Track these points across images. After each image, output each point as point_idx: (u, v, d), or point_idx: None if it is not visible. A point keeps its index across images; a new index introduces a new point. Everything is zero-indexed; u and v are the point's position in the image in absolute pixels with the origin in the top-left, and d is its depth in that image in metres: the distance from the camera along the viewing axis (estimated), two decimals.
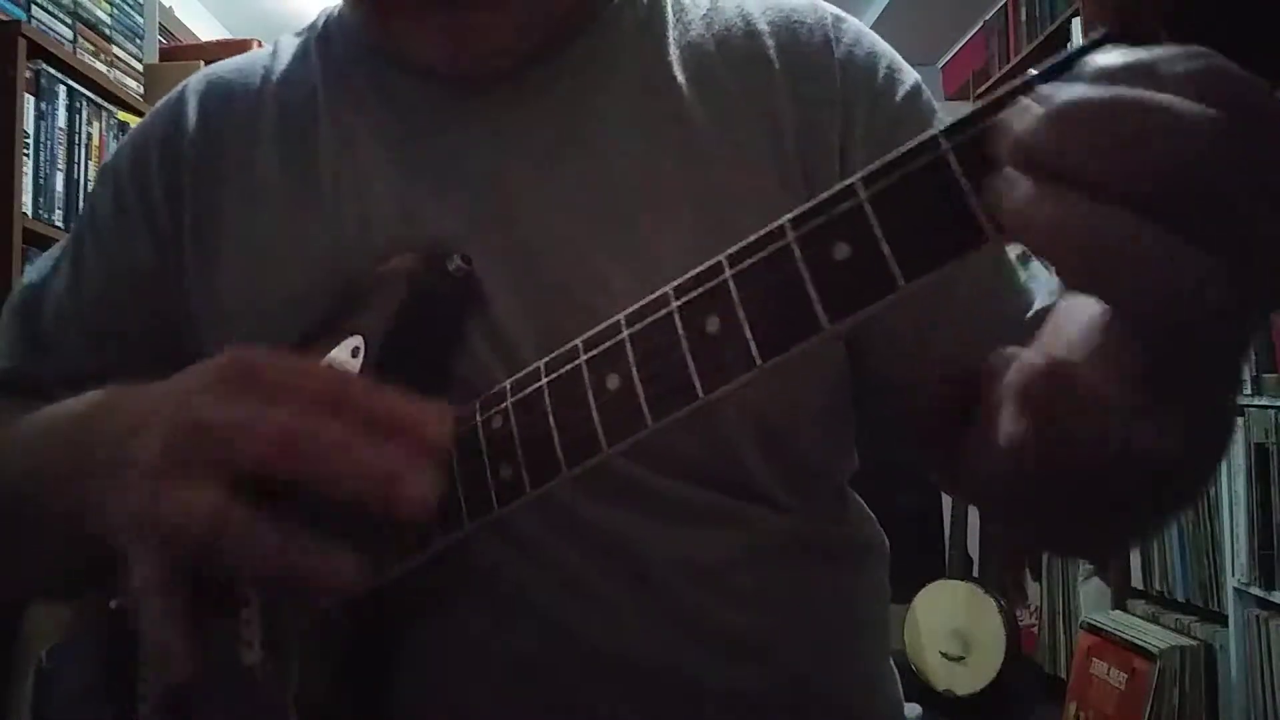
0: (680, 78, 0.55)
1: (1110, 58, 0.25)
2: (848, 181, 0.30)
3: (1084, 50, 0.27)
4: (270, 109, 0.57)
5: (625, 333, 0.35)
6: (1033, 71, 0.27)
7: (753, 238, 0.32)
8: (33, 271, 0.63)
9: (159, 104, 0.62)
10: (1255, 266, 0.24)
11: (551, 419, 0.37)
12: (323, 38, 0.60)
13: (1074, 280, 0.25)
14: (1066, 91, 0.25)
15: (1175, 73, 0.24)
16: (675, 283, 0.34)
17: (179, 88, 0.62)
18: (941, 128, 0.28)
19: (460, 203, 0.52)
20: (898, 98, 0.55)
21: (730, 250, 0.33)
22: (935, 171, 0.28)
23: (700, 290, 0.33)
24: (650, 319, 0.34)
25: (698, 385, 0.33)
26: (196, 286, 0.56)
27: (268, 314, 0.52)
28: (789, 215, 0.31)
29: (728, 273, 0.32)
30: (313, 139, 0.55)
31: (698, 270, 0.34)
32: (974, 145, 0.27)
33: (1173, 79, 0.24)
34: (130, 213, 0.58)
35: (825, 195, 0.30)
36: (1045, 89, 0.26)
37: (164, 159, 0.58)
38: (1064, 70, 0.27)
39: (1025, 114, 0.26)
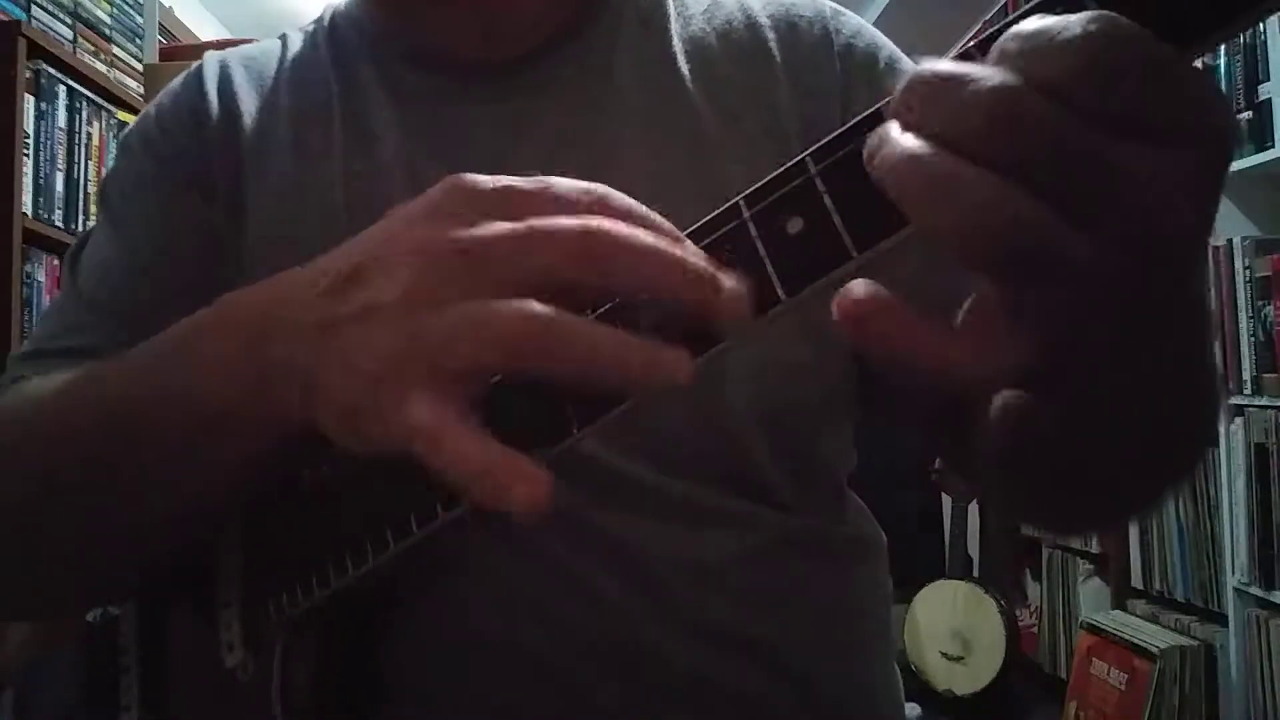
0: (684, 69, 0.55)
1: (1016, 27, 0.26)
2: (799, 156, 0.31)
3: (1017, 18, 0.27)
4: (285, 101, 0.58)
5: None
6: (970, 41, 0.28)
7: (710, 215, 0.33)
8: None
9: (174, 84, 0.61)
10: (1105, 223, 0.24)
11: None
12: (330, 31, 0.61)
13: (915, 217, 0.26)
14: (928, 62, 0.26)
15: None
16: None
17: (194, 68, 0.61)
18: (885, 99, 0.29)
19: None
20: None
21: (689, 228, 0.33)
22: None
23: None
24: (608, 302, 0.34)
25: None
26: (233, 267, 0.55)
27: None
28: (741, 193, 0.32)
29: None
30: (328, 131, 0.56)
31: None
32: None
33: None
34: (167, 182, 0.57)
35: (778, 171, 0.31)
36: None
37: (191, 139, 0.57)
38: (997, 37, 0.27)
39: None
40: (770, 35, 0.56)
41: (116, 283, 0.56)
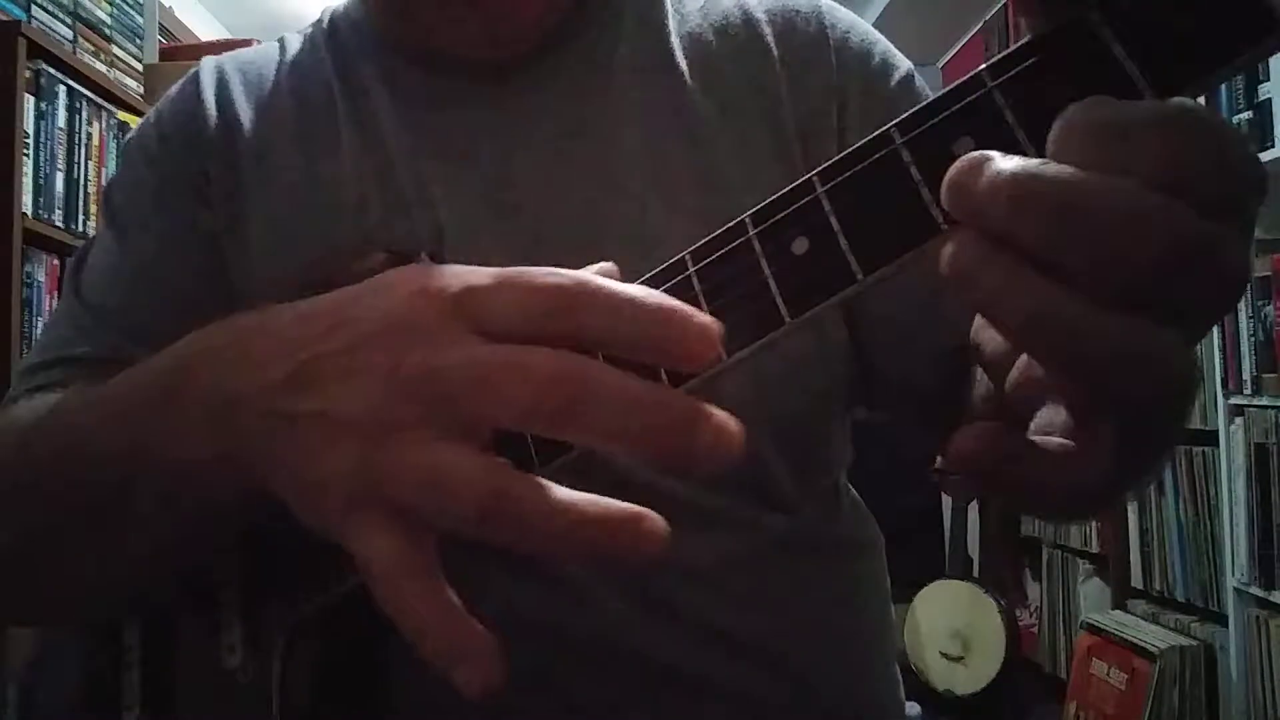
0: (682, 65, 0.56)
1: (1084, 113, 0.24)
2: (805, 177, 0.30)
3: (1029, 46, 0.27)
4: (286, 102, 0.58)
5: None
6: (983, 68, 0.28)
7: (715, 233, 0.32)
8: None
9: (172, 91, 0.61)
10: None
11: None
12: (330, 32, 0.61)
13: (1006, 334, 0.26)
14: (1012, 162, 0.24)
15: (1146, 142, 0.24)
16: (639, 278, 0.33)
17: (190, 74, 0.61)
18: (895, 121, 0.29)
19: (469, 188, 0.53)
20: (892, 83, 0.56)
21: (693, 246, 0.33)
22: (891, 165, 0.28)
23: (664, 286, 0.33)
24: None
25: (664, 377, 0.33)
26: (236, 274, 0.55)
27: (291, 298, 0.52)
28: (748, 212, 0.31)
29: (691, 268, 0.32)
30: (334, 129, 0.56)
31: (660, 267, 0.33)
32: (929, 138, 0.28)
33: (1142, 148, 0.24)
34: (167, 191, 0.57)
35: (783, 191, 0.31)
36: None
37: (188, 147, 0.57)
38: (1015, 62, 0.27)
39: (976, 172, 0.25)
40: (767, 30, 0.57)
41: (120, 291, 0.56)
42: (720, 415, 0.27)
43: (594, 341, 0.28)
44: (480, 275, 0.29)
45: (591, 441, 0.28)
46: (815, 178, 0.30)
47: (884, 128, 0.29)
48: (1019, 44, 0.27)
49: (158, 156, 0.58)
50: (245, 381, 0.32)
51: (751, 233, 0.31)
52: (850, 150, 0.29)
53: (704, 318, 0.27)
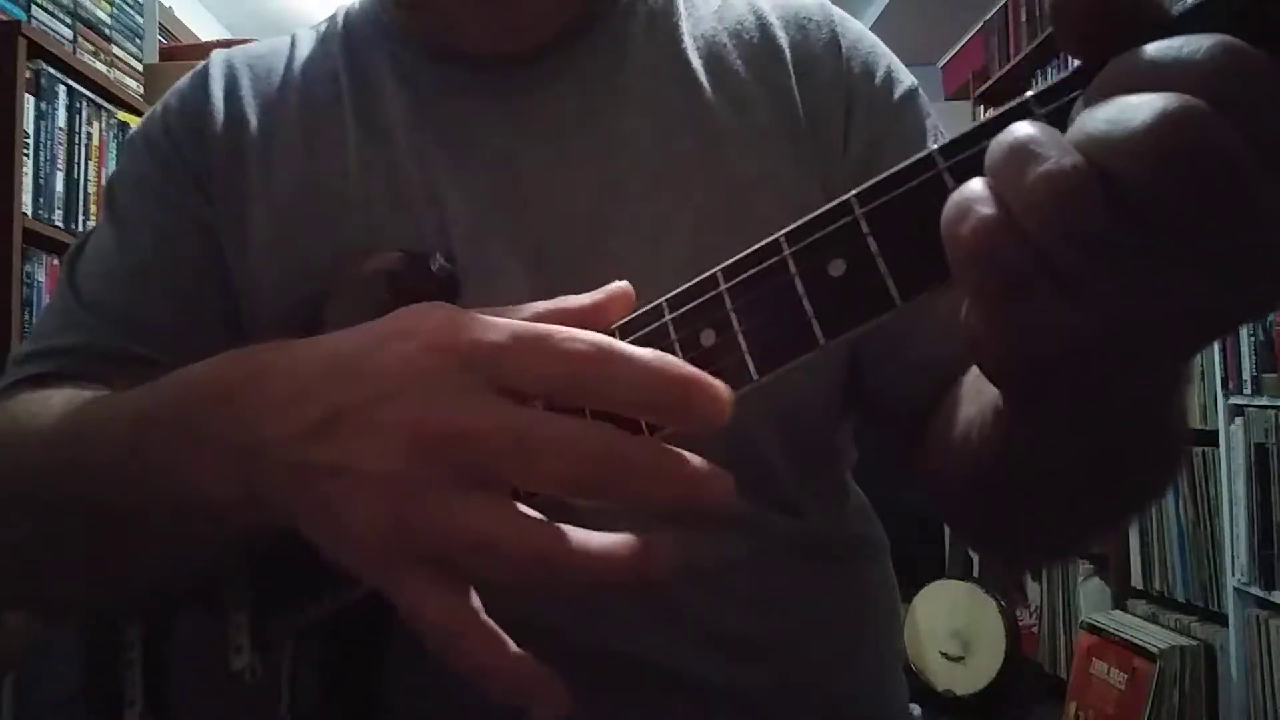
0: (695, 63, 0.56)
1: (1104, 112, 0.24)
2: (844, 197, 0.30)
3: (1077, 74, 0.26)
4: (294, 97, 0.58)
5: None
6: (1030, 94, 0.27)
7: (747, 251, 0.32)
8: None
9: (181, 84, 0.61)
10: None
11: None
12: (343, 29, 0.61)
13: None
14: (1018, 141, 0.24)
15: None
16: (669, 294, 0.34)
17: (199, 68, 0.61)
18: (938, 144, 0.28)
19: (478, 183, 0.53)
20: (894, 98, 0.57)
21: (725, 263, 0.32)
22: (933, 190, 0.28)
23: (694, 303, 0.33)
24: (645, 330, 0.34)
25: None
26: (235, 271, 0.55)
27: (301, 297, 0.52)
28: (784, 230, 0.31)
29: (723, 285, 0.32)
30: (340, 124, 0.56)
31: (691, 283, 0.33)
32: (971, 164, 0.27)
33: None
34: (169, 185, 0.57)
35: (821, 210, 0.30)
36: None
37: (192, 142, 0.57)
38: (1062, 91, 0.26)
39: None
40: (781, 34, 0.57)
41: (117, 284, 0.56)
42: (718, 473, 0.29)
43: (613, 409, 0.30)
44: (499, 332, 0.30)
45: (619, 504, 0.29)
46: (854, 199, 0.29)
47: (927, 150, 0.28)
48: (1061, 77, 0.27)
49: (161, 150, 0.58)
50: (268, 428, 0.32)
51: (787, 252, 0.30)
52: (891, 172, 0.29)
53: (718, 387, 0.29)
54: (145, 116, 0.61)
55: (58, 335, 0.55)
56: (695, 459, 0.29)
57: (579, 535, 0.29)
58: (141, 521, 0.39)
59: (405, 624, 0.30)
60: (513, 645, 0.29)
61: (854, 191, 0.29)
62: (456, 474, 0.29)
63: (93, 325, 0.54)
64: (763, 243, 0.31)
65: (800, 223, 0.30)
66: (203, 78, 0.60)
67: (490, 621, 0.29)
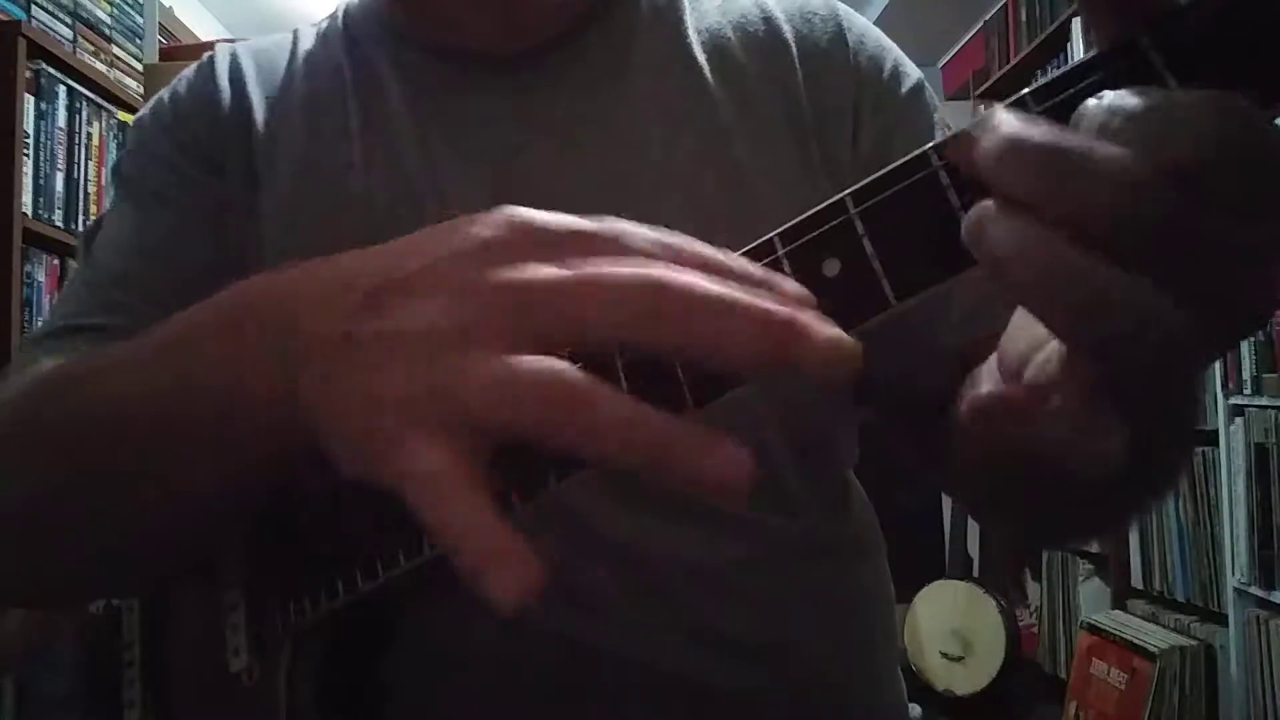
0: (700, 58, 0.56)
1: (1119, 100, 0.24)
2: (837, 196, 0.29)
3: (1079, 68, 0.26)
4: (297, 90, 0.58)
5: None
6: (1025, 92, 0.27)
7: (740, 252, 0.31)
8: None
9: (187, 72, 0.61)
10: (1210, 309, 0.24)
11: None
12: (344, 25, 0.61)
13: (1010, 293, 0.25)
14: (1012, 122, 0.25)
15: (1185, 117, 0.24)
16: None
17: (205, 58, 0.61)
18: (933, 143, 0.28)
19: (482, 179, 0.53)
20: (902, 92, 0.56)
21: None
22: (928, 189, 0.28)
23: None
24: None
25: (686, 395, 0.32)
26: (248, 258, 0.54)
27: None
28: (777, 230, 0.31)
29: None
30: (343, 116, 0.56)
31: None
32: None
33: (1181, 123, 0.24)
34: (185, 163, 0.57)
35: (814, 210, 0.30)
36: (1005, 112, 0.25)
37: (205, 125, 0.57)
38: (1060, 88, 0.26)
39: (987, 133, 0.25)
40: (786, 29, 0.57)
41: (140, 259, 0.55)
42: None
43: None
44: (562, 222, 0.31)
45: (689, 353, 0.27)
46: (848, 198, 0.29)
47: (923, 149, 0.28)
48: (1067, 68, 0.26)
49: (175, 130, 0.58)
50: (315, 314, 0.31)
51: (780, 252, 0.30)
52: (886, 170, 0.29)
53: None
54: (151, 102, 0.61)
55: (76, 316, 0.54)
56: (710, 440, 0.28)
57: (619, 394, 0.27)
58: (173, 440, 0.38)
59: (394, 494, 0.27)
60: (499, 517, 0.26)
61: (848, 190, 0.29)
62: (509, 325, 0.27)
63: (115, 303, 0.54)
64: (756, 242, 0.31)
65: (794, 222, 0.30)
66: (209, 67, 0.60)
67: (485, 493, 0.27)
